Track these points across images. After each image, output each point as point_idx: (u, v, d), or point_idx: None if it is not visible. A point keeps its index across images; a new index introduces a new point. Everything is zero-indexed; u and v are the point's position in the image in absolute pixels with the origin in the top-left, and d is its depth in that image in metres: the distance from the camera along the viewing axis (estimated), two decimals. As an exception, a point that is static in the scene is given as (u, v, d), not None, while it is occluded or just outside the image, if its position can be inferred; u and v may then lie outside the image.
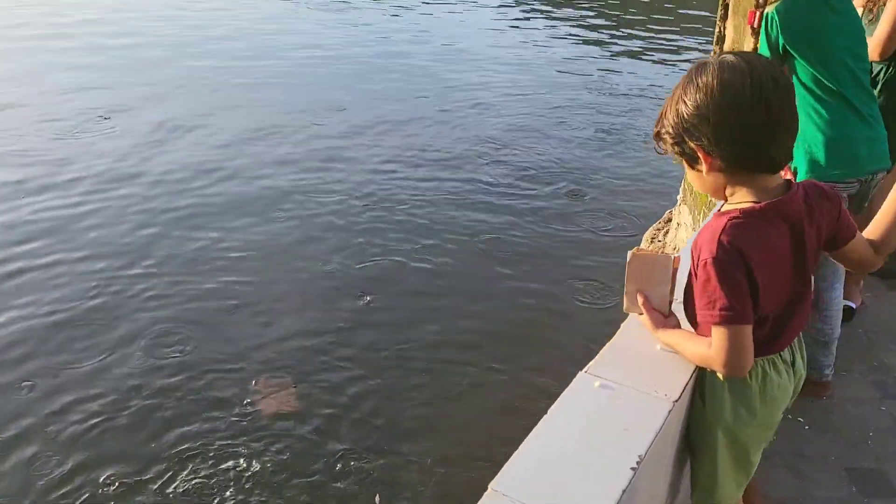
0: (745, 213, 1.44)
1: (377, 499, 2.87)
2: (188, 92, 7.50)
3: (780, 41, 2.42)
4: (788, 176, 2.68)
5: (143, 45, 9.20)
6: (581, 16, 11.94)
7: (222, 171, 5.80)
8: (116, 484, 2.89)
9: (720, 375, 1.58)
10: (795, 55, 2.41)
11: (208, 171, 5.81)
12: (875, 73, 3.04)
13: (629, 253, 1.64)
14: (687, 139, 1.42)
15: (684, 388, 1.58)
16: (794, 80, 2.48)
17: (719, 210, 1.51)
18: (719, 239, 1.41)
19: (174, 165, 5.83)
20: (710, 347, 1.51)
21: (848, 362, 3.03)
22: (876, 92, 3.01)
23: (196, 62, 8.55)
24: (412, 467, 2.90)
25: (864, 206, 2.66)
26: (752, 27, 2.64)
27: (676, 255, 1.63)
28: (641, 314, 1.68)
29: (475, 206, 5.22)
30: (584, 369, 1.63)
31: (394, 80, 8.18)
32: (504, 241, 4.80)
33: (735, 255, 1.41)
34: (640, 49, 10.14)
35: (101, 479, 2.91)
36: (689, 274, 1.58)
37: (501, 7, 12.60)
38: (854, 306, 3.28)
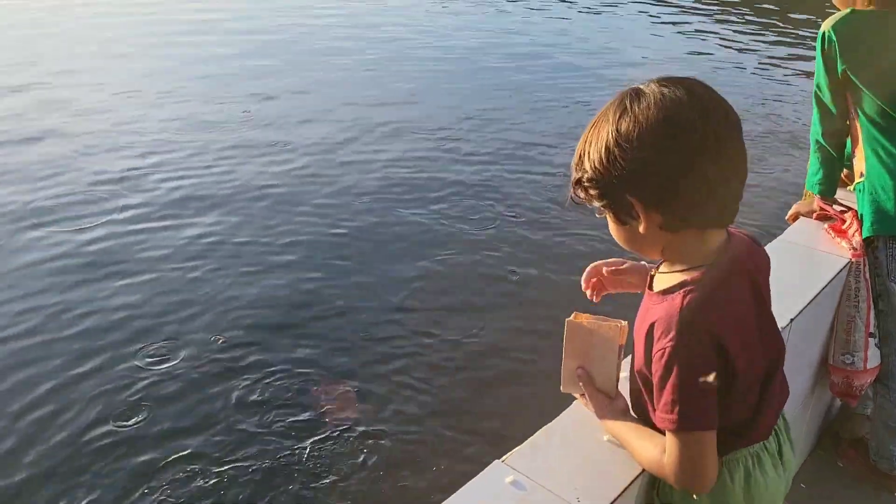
0: (704, 278, 1.12)
1: None
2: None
3: (840, 66, 1.99)
4: (834, 213, 2.21)
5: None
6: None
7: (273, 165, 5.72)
8: (175, 474, 2.88)
9: None
10: (858, 83, 1.97)
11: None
12: None
13: (567, 320, 1.34)
14: (620, 189, 1.11)
15: (616, 498, 1.25)
16: (859, 112, 2.04)
17: (661, 281, 1.18)
18: (681, 319, 1.09)
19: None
20: (663, 452, 1.20)
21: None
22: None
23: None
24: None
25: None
26: None
27: (624, 323, 1.31)
28: (582, 394, 1.37)
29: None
30: (503, 458, 1.34)
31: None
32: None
33: (702, 336, 1.10)
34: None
35: (158, 467, 2.91)
36: (633, 355, 1.26)
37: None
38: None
